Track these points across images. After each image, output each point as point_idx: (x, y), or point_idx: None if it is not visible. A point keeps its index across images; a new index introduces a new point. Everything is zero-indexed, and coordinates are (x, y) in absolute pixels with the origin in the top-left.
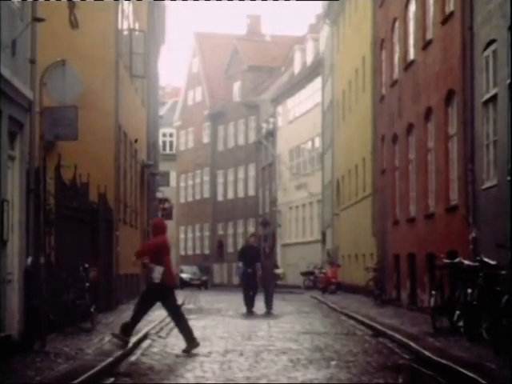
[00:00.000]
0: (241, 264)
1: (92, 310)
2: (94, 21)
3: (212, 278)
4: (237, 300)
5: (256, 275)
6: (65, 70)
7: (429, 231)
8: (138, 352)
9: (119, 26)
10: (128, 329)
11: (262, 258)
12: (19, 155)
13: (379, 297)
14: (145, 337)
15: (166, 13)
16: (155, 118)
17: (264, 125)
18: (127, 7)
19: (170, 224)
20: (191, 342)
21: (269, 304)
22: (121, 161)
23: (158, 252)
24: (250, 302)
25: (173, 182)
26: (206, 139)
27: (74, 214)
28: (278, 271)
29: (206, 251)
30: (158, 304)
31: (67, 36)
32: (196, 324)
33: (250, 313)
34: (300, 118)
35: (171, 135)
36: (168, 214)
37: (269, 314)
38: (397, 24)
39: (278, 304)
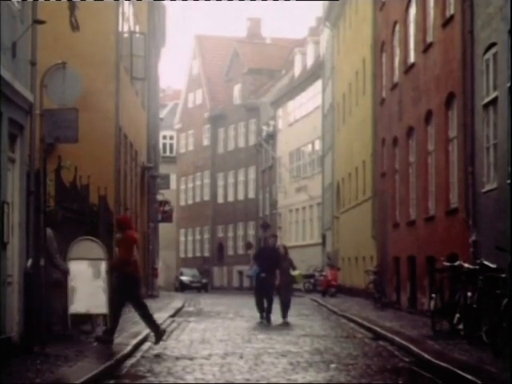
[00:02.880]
0: (256, 266)
1: None
2: (95, 23)
3: (212, 281)
4: (237, 303)
5: (273, 282)
6: (65, 72)
7: (429, 234)
8: (138, 354)
9: (120, 29)
10: (112, 330)
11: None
12: (19, 157)
13: (379, 300)
14: (145, 339)
15: (166, 15)
16: (155, 120)
17: (264, 127)
18: (128, 9)
19: (170, 226)
20: (159, 333)
21: (284, 312)
22: (121, 163)
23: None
24: (264, 310)
25: (173, 184)
26: (206, 142)
27: (74, 216)
28: (293, 273)
29: (206, 254)
30: (156, 306)
31: (68, 38)
32: (196, 326)
33: (268, 322)
34: (300, 120)
35: (171, 138)
36: (168, 217)
37: (286, 323)
38: (397, 27)
39: (278, 307)
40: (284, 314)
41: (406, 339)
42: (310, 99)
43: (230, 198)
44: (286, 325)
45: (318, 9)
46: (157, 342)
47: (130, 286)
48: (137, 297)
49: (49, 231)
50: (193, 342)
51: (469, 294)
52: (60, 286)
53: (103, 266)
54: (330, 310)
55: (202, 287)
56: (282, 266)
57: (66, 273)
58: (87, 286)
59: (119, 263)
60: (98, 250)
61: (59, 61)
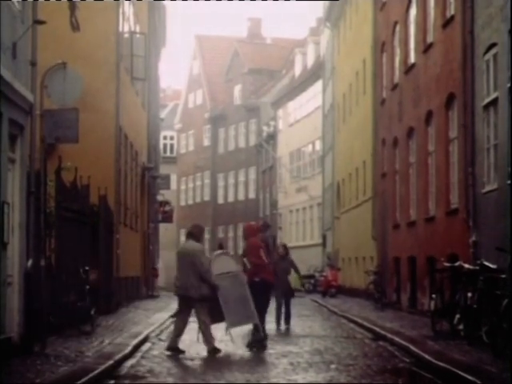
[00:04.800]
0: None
1: (92, 312)
2: (95, 23)
3: None
4: None
5: (266, 286)
6: (65, 73)
7: (429, 234)
8: (138, 355)
9: (120, 29)
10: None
11: (276, 258)
12: (20, 158)
13: (379, 300)
14: (145, 340)
15: (166, 15)
16: (156, 120)
17: (265, 128)
18: (128, 9)
19: (170, 227)
20: (259, 342)
21: (286, 318)
22: (121, 163)
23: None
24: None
25: (173, 184)
26: (206, 142)
27: (74, 217)
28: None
29: (207, 254)
30: (157, 307)
31: (68, 38)
32: (196, 327)
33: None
34: (301, 121)
35: (172, 138)
36: (168, 217)
37: (287, 331)
38: (397, 27)
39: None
40: (285, 319)
41: (406, 340)
42: (311, 99)
43: (231, 199)
44: (286, 330)
45: (319, 9)
46: (260, 347)
47: (263, 290)
48: (266, 301)
49: (199, 245)
50: (193, 342)
51: (469, 294)
52: (207, 301)
53: (241, 276)
54: (330, 310)
55: None
56: (281, 266)
57: (215, 288)
58: (233, 299)
59: (254, 270)
60: (232, 262)
61: (59, 61)
